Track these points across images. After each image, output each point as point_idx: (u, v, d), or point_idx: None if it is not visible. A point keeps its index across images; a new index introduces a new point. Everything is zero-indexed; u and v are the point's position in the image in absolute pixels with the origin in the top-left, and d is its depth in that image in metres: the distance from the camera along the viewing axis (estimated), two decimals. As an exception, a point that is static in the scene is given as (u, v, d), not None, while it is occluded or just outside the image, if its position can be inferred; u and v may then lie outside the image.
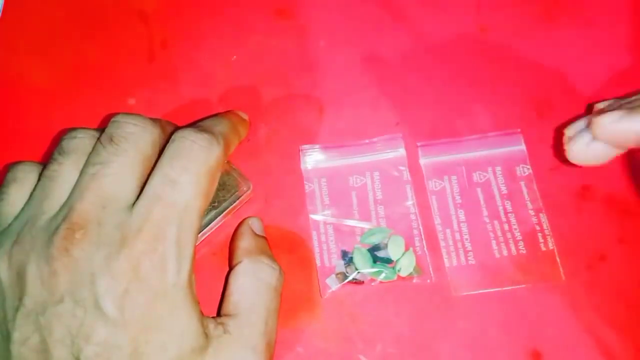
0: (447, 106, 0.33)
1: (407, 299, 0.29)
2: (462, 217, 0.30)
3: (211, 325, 0.24)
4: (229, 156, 0.30)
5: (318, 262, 0.29)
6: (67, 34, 0.35)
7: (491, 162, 0.31)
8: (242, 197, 0.30)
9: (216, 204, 0.29)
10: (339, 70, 0.34)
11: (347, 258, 0.29)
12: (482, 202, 0.30)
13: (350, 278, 0.29)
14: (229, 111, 0.31)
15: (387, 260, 0.29)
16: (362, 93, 0.33)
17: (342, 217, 0.30)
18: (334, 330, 0.28)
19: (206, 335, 0.23)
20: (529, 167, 0.31)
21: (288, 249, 0.30)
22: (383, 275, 0.29)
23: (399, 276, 0.29)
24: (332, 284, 0.29)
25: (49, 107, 0.33)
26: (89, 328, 0.21)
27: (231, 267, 0.27)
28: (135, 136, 0.24)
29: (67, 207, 0.22)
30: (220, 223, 0.30)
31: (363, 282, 0.29)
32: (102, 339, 0.21)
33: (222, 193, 0.29)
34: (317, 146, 0.32)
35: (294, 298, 0.29)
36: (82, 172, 0.23)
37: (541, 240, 0.29)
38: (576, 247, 0.29)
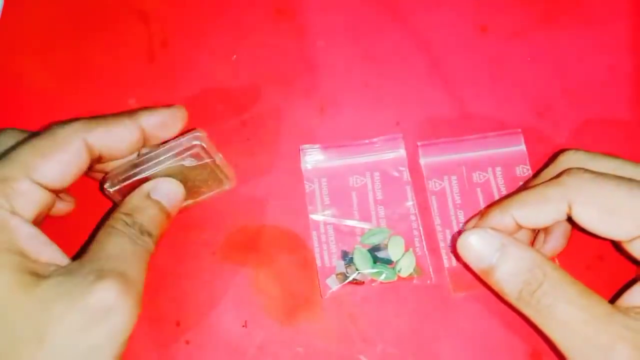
0: (447, 106, 0.33)
1: (407, 299, 0.29)
2: (461, 217, 0.30)
3: (42, 265, 0.23)
4: (219, 149, 0.29)
5: (318, 262, 0.29)
6: (67, 34, 0.35)
7: (491, 162, 0.31)
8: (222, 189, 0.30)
9: (194, 194, 0.29)
10: (339, 70, 0.34)
11: (347, 258, 0.29)
12: (481, 202, 0.30)
13: (350, 278, 0.29)
14: None
15: (388, 261, 0.29)
16: (362, 93, 0.33)
17: (342, 217, 0.30)
18: (334, 330, 0.28)
19: (33, 272, 0.22)
20: (528, 167, 0.31)
21: (288, 249, 0.30)
22: (383, 275, 0.29)
23: (399, 277, 0.29)
24: (333, 284, 0.29)
25: (49, 107, 0.33)
26: None
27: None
28: None
29: None
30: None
31: (363, 282, 0.29)
32: None
33: (205, 187, 0.29)
34: (317, 146, 0.32)
35: (294, 298, 0.29)
36: None
37: (541, 240, 0.29)
38: (576, 247, 0.29)
